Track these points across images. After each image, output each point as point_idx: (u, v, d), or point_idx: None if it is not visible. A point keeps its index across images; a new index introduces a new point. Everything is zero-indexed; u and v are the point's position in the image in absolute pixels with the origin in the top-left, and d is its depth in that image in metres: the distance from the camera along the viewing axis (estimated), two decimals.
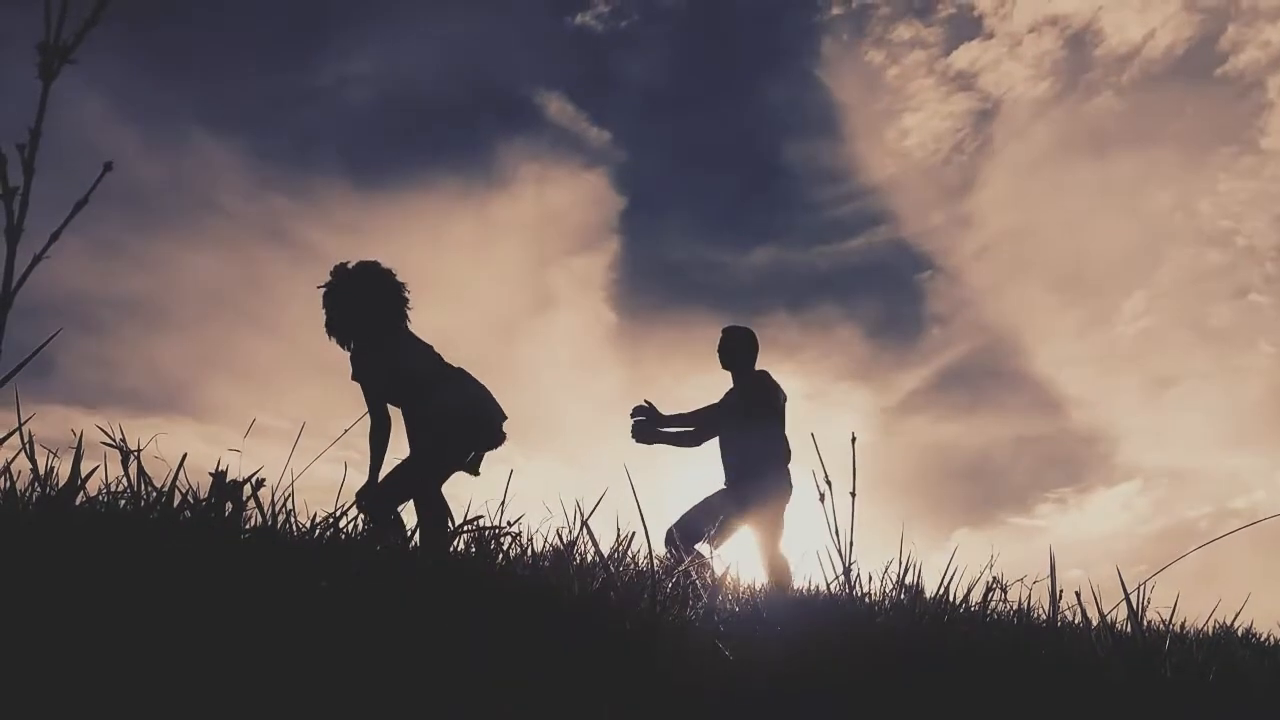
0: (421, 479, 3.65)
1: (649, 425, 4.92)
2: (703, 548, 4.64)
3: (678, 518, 4.79)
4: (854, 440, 1.77)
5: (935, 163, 11.67)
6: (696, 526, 4.70)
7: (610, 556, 2.70)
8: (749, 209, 12.79)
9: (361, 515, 3.53)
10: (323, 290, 3.77)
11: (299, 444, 3.74)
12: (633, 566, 2.94)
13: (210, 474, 1.63)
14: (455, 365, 3.85)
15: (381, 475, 3.69)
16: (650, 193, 12.09)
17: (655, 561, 2.20)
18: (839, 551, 2.05)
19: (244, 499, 1.66)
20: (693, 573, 3.80)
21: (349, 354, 3.81)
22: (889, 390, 11.54)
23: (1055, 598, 2.04)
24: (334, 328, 3.81)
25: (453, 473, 3.72)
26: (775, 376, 4.93)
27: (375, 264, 3.79)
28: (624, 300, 11.35)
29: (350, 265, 3.78)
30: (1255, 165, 10.93)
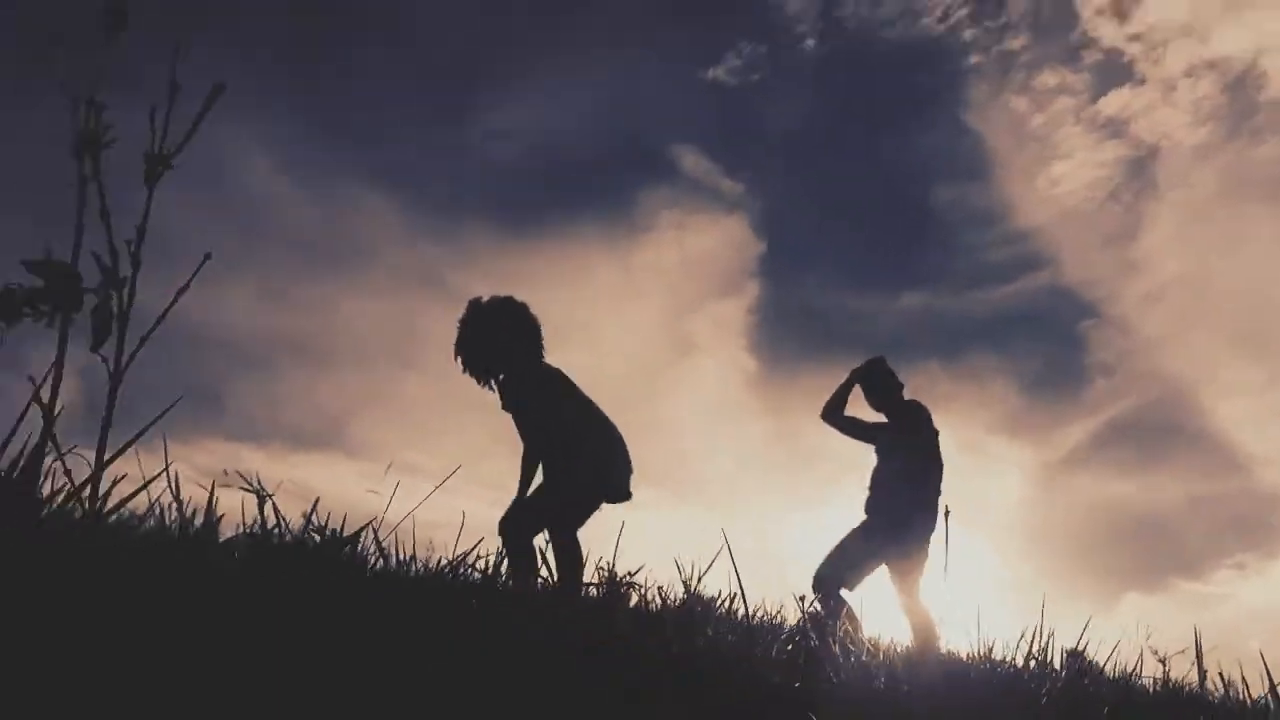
0: (556, 517, 3.70)
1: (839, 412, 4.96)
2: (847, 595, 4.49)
3: (821, 562, 4.65)
4: (947, 513, 1.70)
5: (1091, 209, 10.94)
6: (836, 573, 4.56)
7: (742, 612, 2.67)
8: (895, 253, 12.39)
9: (501, 539, 3.64)
10: (460, 324, 3.80)
11: (444, 484, 3.89)
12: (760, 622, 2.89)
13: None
14: (596, 407, 3.89)
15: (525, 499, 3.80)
16: (790, 239, 11.97)
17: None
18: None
19: (356, 543, 1.77)
20: (831, 626, 3.69)
21: (497, 386, 3.89)
22: (1049, 444, 10.79)
23: (1202, 672, 1.96)
24: (470, 362, 3.84)
25: (586, 519, 3.76)
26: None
27: (510, 298, 3.84)
28: (765, 347, 11.20)
29: (485, 299, 3.83)
30: None
